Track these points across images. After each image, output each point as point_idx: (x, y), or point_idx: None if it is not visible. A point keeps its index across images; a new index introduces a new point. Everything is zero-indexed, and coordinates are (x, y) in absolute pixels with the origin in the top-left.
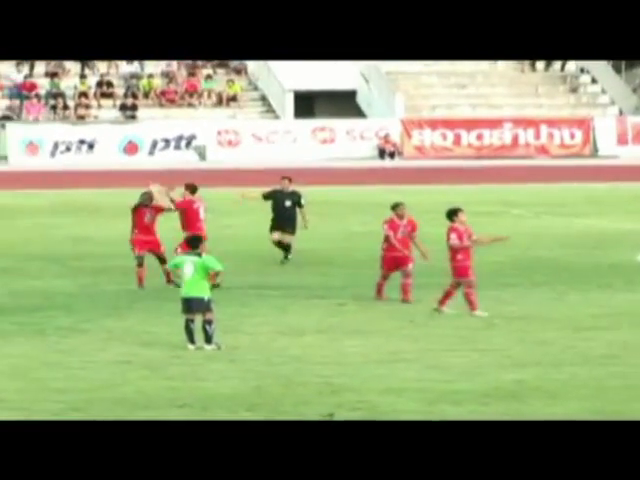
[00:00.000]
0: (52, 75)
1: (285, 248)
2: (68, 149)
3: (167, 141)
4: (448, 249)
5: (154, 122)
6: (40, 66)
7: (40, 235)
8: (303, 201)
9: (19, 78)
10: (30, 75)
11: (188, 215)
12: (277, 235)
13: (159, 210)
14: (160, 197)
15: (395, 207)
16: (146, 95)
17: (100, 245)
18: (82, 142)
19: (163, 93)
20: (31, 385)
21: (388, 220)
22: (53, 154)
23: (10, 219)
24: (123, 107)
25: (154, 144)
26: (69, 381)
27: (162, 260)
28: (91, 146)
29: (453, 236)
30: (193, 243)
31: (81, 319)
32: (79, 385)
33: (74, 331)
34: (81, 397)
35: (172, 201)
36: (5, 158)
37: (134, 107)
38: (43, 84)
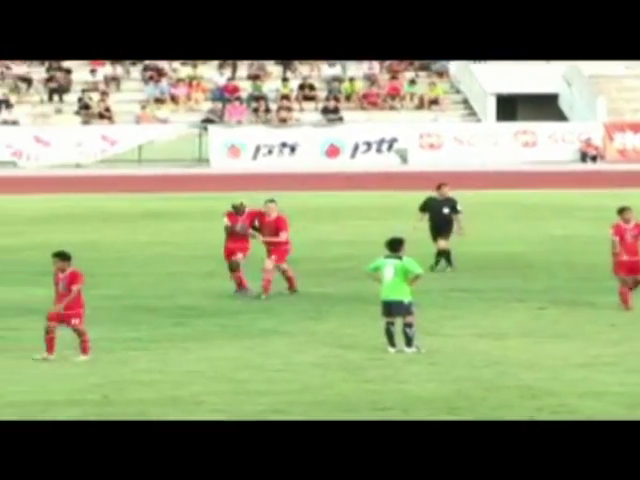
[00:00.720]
0: (254, 78)
1: (446, 256)
2: (270, 152)
3: (369, 144)
4: None
5: (356, 125)
6: (242, 69)
7: None
8: (459, 207)
9: (221, 81)
10: (232, 78)
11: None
12: (443, 243)
13: (252, 217)
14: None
15: (621, 211)
16: (348, 98)
17: (300, 248)
18: (284, 145)
19: (365, 96)
20: (232, 387)
21: (614, 225)
22: (255, 157)
23: (213, 222)
24: (325, 110)
25: (356, 147)
26: (270, 383)
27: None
28: (293, 149)
29: None
30: (394, 246)
31: (282, 321)
32: (279, 387)
33: (275, 333)
34: (281, 399)
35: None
36: (207, 161)
37: (336, 110)
38: (245, 87)
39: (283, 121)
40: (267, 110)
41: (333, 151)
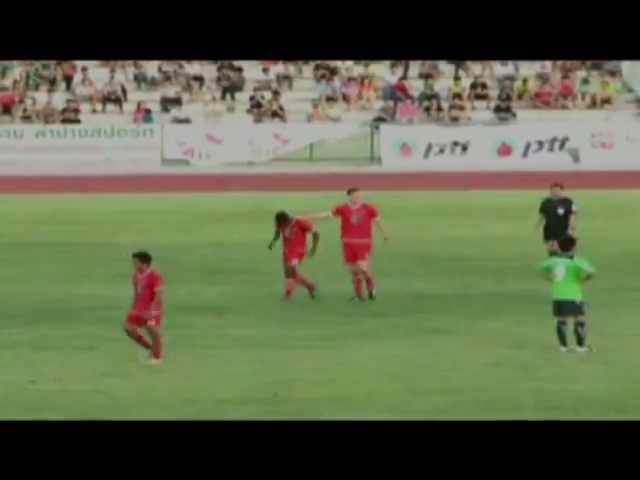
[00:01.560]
0: (426, 76)
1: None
2: (441, 151)
3: (540, 143)
4: None
5: (528, 124)
6: (414, 68)
7: (412, 236)
8: (574, 207)
9: (393, 79)
10: (404, 77)
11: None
12: (554, 244)
13: (304, 226)
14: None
15: None
16: (520, 97)
17: (471, 247)
18: (456, 144)
19: (537, 95)
20: (403, 386)
21: None
22: (426, 155)
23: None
24: (497, 109)
25: (527, 146)
26: (439, 382)
27: (289, 273)
28: (464, 148)
29: None
30: (566, 245)
31: (453, 321)
32: (450, 386)
33: (446, 332)
34: (450, 399)
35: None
36: (379, 159)
37: (508, 109)
38: (417, 85)
39: (455, 120)
40: (439, 109)
41: (505, 150)
